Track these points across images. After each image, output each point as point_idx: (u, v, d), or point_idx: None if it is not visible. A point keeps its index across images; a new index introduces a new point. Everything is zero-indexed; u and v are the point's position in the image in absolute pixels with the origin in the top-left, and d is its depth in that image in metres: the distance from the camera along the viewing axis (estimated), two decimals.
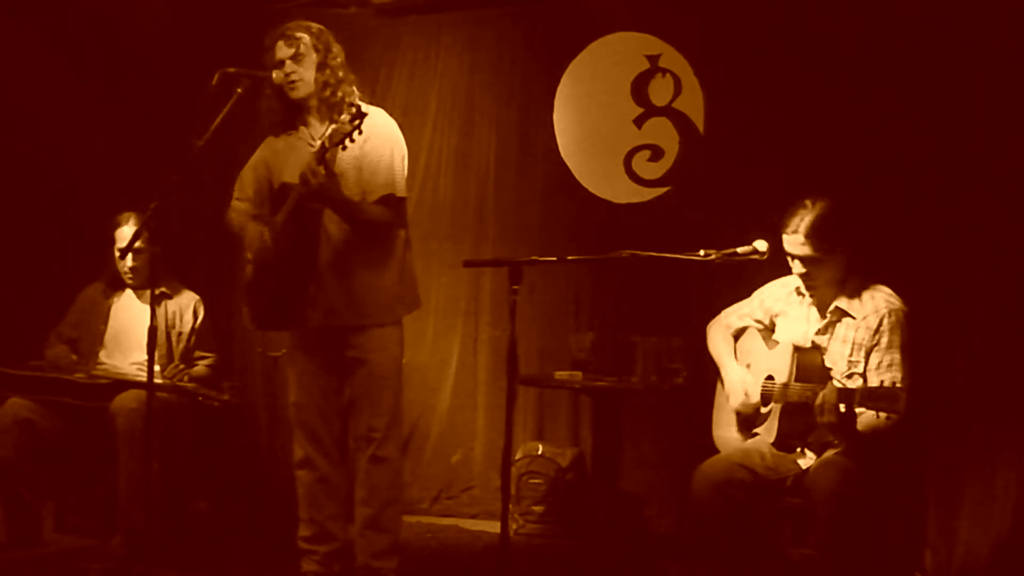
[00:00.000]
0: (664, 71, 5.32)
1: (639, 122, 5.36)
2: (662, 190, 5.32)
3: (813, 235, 3.76)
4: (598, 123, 5.44)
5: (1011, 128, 4.41)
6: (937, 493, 4.41)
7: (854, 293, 3.84)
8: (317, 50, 4.05)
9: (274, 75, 4.02)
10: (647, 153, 5.35)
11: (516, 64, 5.61)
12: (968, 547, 4.36)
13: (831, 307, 3.86)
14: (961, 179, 4.51)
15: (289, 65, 4.02)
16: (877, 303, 3.81)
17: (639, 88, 5.36)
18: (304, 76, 4.03)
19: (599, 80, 5.43)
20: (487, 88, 5.66)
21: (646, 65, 5.35)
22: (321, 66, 4.04)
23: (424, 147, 5.65)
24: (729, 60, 5.13)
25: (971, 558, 4.34)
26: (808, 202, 3.80)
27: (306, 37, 4.05)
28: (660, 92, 5.33)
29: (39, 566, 4.56)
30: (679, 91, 5.29)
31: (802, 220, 3.77)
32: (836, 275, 3.85)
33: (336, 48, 4.10)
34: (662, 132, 5.32)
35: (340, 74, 4.07)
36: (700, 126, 5.26)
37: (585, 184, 5.46)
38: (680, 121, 5.29)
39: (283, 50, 4.03)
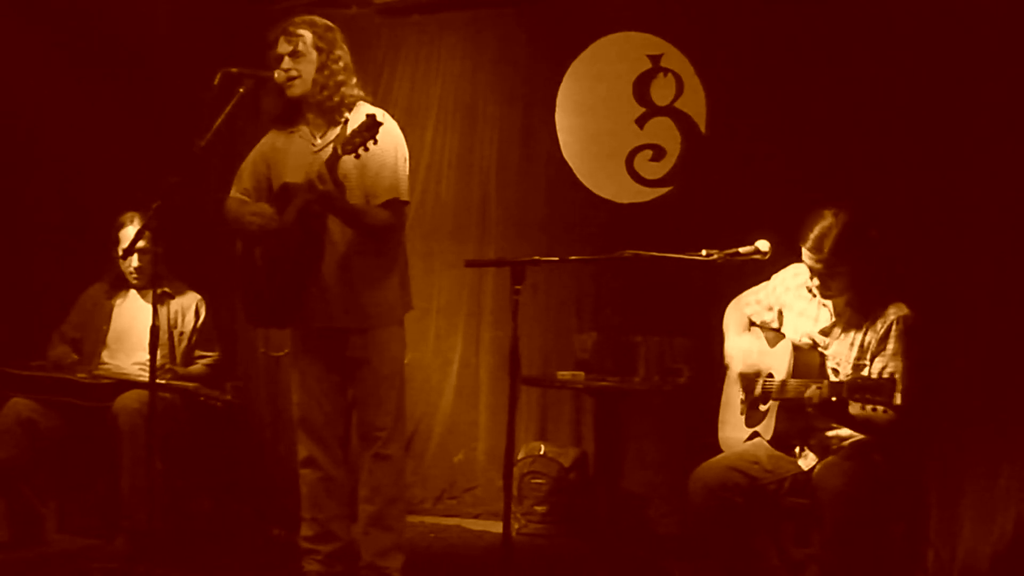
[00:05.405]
0: (666, 71, 5.31)
1: (641, 122, 5.36)
2: (664, 190, 5.32)
3: (836, 252, 3.64)
4: (600, 123, 5.44)
5: (1013, 131, 4.40)
6: (939, 494, 4.41)
7: (867, 298, 3.77)
8: (319, 49, 4.00)
9: (276, 75, 3.99)
10: (649, 153, 5.35)
11: (518, 64, 5.61)
12: (970, 548, 4.35)
13: (842, 308, 3.81)
14: (963, 181, 4.50)
15: (287, 62, 3.99)
16: (887, 309, 3.75)
17: (641, 88, 5.36)
18: (302, 73, 3.99)
19: (601, 80, 5.43)
20: (489, 88, 5.66)
21: (648, 65, 5.34)
22: (321, 67, 4.00)
23: (426, 147, 5.65)
24: (731, 60, 5.13)
25: (973, 559, 4.33)
26: (829, 213, 3.67)
27: (308, 35, 4.01)
28: (662, 92, 5.33)
29: (42, 566, 4.56)
30: (681, 91, 5.29)
31: (825, 236, 3.64)
32: (852, 282, 3.74)
33: (341, 49, 4.04)
34: (664, 132, 5.32)
35: (340, 77, 4.01)
36: (702, 126, 5.26)
37: (587, 184, 5.46)
38: (682, 121, 5.29)
39: (283, 46, 4.00)
